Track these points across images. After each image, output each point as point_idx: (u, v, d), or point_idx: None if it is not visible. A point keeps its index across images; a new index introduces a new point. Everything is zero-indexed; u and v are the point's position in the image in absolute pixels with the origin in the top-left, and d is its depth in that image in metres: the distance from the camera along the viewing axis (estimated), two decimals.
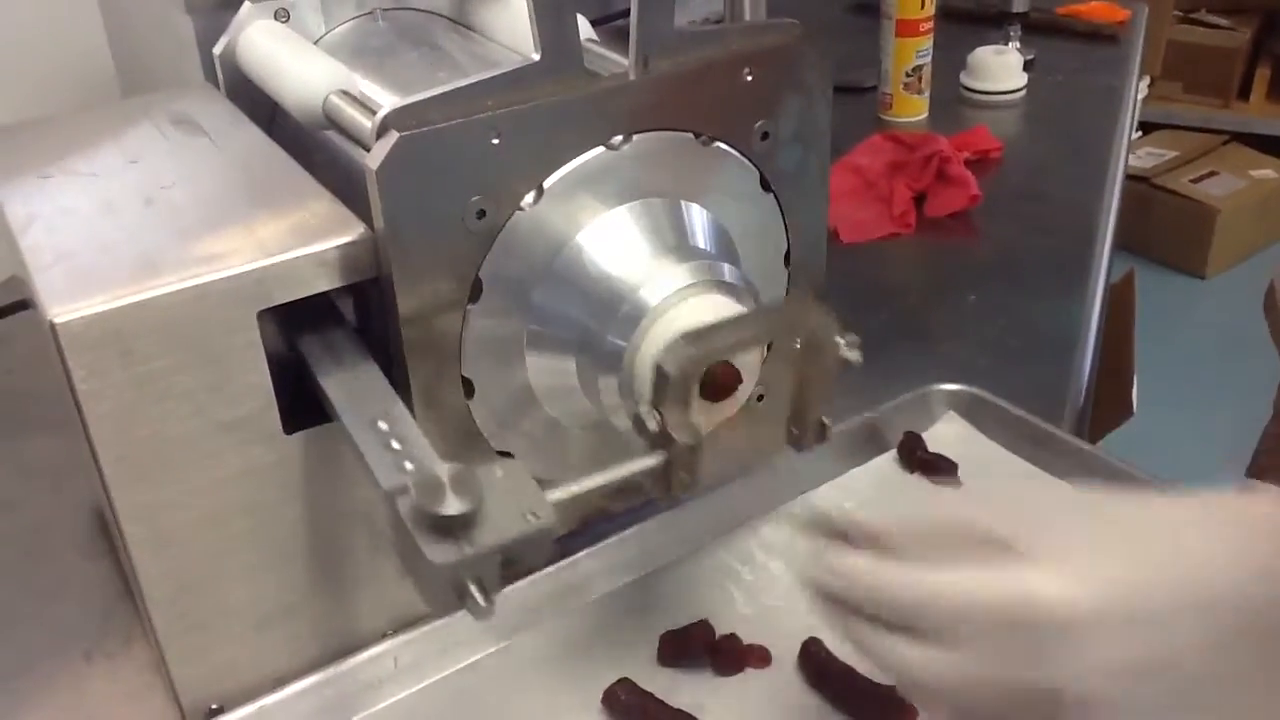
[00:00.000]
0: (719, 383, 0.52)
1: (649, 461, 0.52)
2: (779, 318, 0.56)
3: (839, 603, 0.47)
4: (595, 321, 0.54)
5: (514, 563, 0.46)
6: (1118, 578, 0.41)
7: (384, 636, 0.59)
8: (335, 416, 0.51)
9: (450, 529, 0.44)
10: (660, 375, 0.50)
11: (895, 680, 0.47)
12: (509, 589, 0.61)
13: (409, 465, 0.47)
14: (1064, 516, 0.45)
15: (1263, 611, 0.41)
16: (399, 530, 0.45)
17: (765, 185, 0.60)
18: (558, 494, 0.49)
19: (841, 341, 0.54)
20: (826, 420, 0.57)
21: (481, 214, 0.52)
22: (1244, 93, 2.82)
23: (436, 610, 0.46)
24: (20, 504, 0.76)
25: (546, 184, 0.53)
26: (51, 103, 1.01)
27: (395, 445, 0.48)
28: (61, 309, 0.47)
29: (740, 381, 0.53)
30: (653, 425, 0.51)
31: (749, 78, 0.57)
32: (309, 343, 0.53)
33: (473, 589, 0.44)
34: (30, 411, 0.84)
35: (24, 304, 0.79)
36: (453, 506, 0.43)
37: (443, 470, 0.44)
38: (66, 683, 0.62)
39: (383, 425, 0.49)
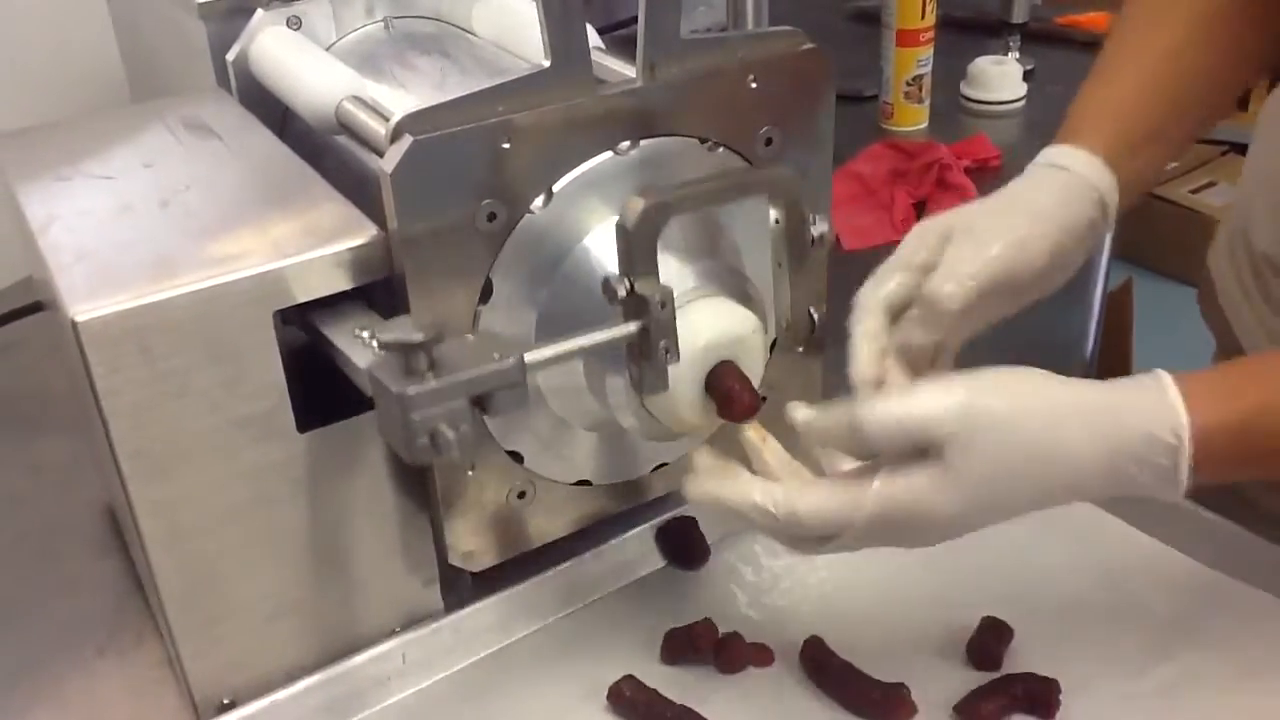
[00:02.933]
0: (741, 403, 0.53)
1: (626, 328, 0.52)
2: (740, 177, 0.56)
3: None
4: (602, 323, 0.55)
5: (486, 409, 0.47)
6: (988, 493, 0.49)
7: (393, 633, 0.60)
8: (325, 340, 0.53)
9: (417, 368, 0.46)
10: (621, 232, 0.50)
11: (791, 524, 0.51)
12: (515, 589, 0.62)
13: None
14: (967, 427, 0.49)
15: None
16: (375, 388, 0.47)
17: None
18: (531, 354, 0.50)
19: (812, 218, 0.55)
20: (813, 311, 0.58)
21: (492, 217, 0.53)
22: (1243, 103, 2.82)
23: (413, 459, 0.47)
24: (32, 502, 0.77)
25: (556, 188, 0.54)
26: (61, 107, 1.03)
27: (372, 342, 0.50)
28: (83, 307, 0.48)
29: (758, 404, 0.54)
30: (622, 291, 0.51)
31: (753, 85, 0.58)
32: (319, 315, 0.55)
33: (443, 429, 0.45)
34: (42, 412, 0.85)
35: (36, 307, 0.80)
36: (417, 336, 0.46)
37: (410, 320, 0.47)
38: (79, 678, 0.63)
39: (363, 332, 0.52)
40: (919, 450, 0.49)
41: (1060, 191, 0.60)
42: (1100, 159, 0.61)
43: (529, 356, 0.50)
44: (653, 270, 0.51)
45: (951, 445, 0.48)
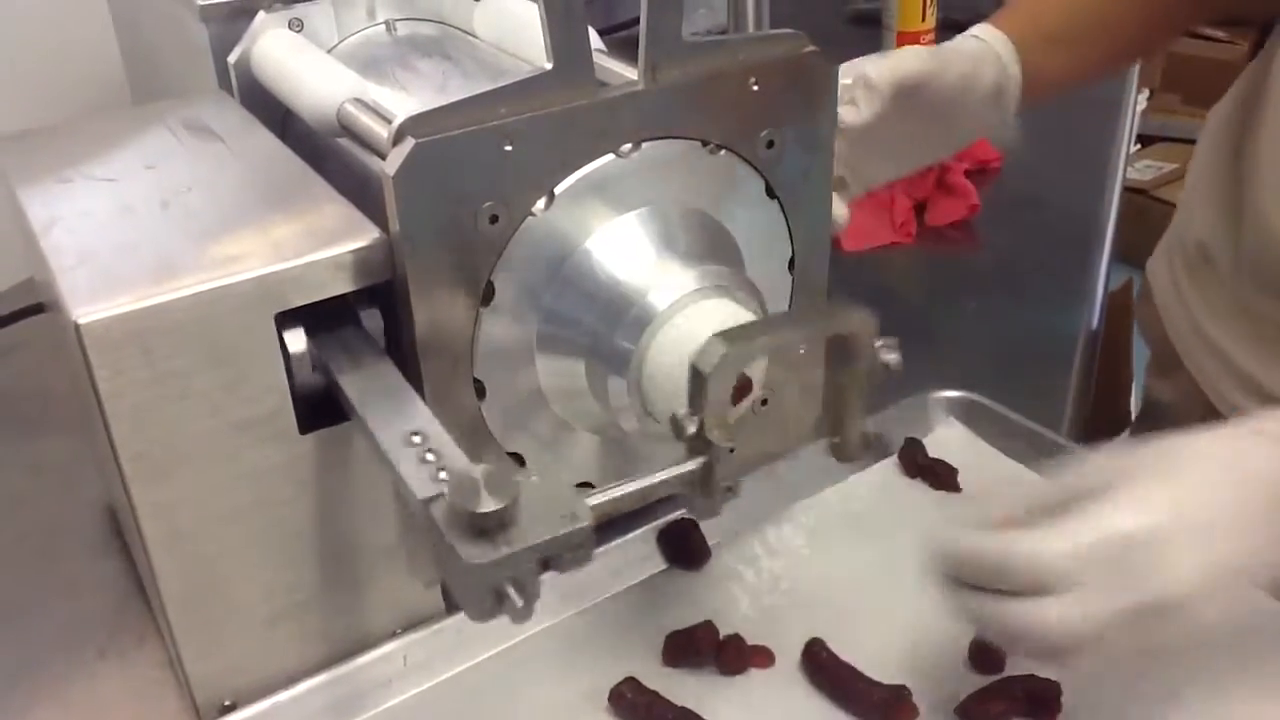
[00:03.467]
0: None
1: (689, 466, 0.52)
2: (816, 319, 0.56)
3: (956, 583, 0.50)
4: (604, 325, 0.55)
5: (551, 566, 0.46)
6: (1185, 497, 0.47)
7: (394, 634, 0.60)
8: (368, 433, 0.51)
9: (486, 529, 0.44)
10: (696, 375, 0.50)
11: (1022, 644, 0.50)
12: None
13: (443, 475, 0.47)
14: (1130, 458, 0.49)
15: None
16: (434, 537, 0.45)
17: (770, 192, 0.61)
18: (595, 499, 0.49)
19: (880, 345, 0.54)
20: (871, 430, 0.57)
21: (494, 219, 0.53)
22: None
23: (477, 618, 0.45)
24: (32, 503, 0.77)
25: (558, 190, 0.54)
26: (62, 109, 1.03)
27: (429, 457, 0.48)
28: (85, 310, 0.48)
29: (750, 390, 0.53)
30: (690, 429, 0.50)
31: (755, 87, 0.58)
32: (329, 347, 0.54)
33: (510, 591, 0.44)
34: (43, 412, 0.85)
35: (37, 308, 0.80)
36: (488, 504, 0.43)
37: (477, 471, 0.44)
38: (80, 680, 0.63)
39: (416, 438, 0.49)
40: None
41: (972, 48, 0.71)
42: (1010, 41, 0.72)
43: (592, 501, 0.48)
44: (724, 413, 0.51)
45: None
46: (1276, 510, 0.48)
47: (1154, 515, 0.47)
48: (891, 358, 0.55)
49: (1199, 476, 0.48)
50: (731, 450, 0.51)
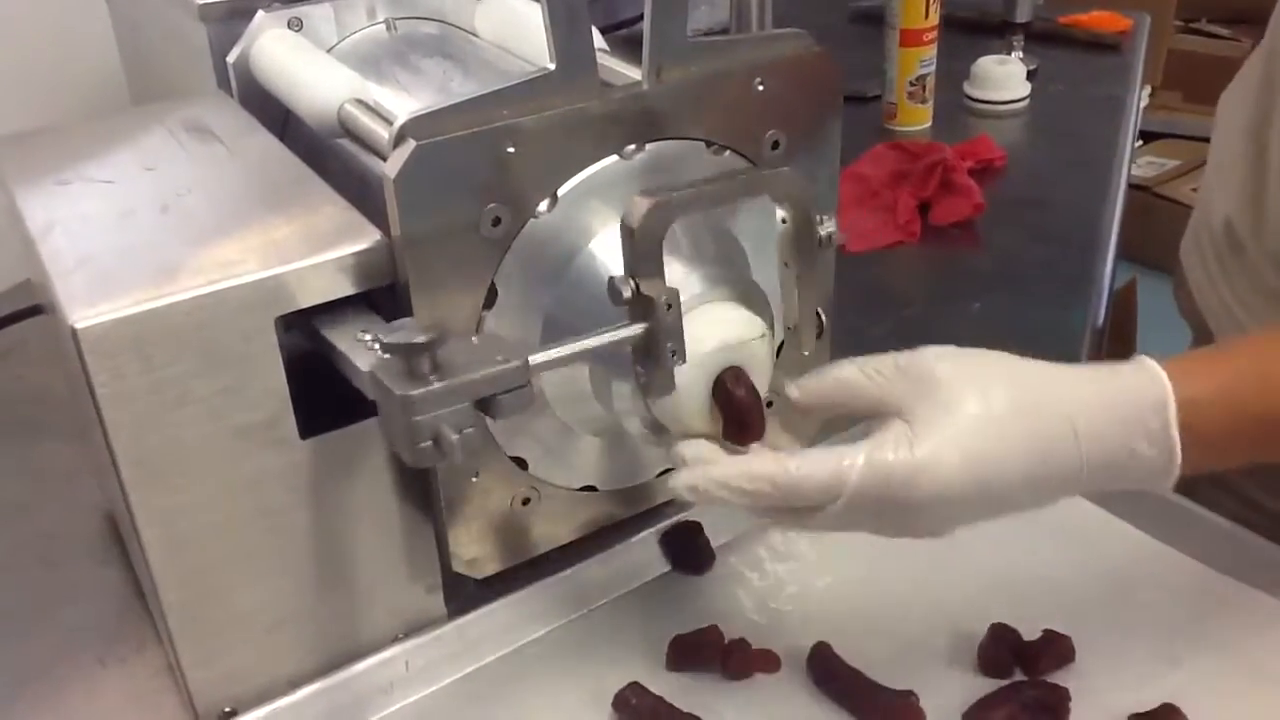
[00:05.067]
0: (746, 420, 0.53)
1: (632, 329, 0.51)
2: (744, 177, 0.55)
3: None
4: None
5: (490, 410, 0.47)
6: (971, 455, 0.49)
7: (395, 640, 0.60)
8: (327, 344, 0.52)
9: (421, 372, 0.45)
10: (625, 232, 0.50)
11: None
12: (519, 595, 0.62)
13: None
14: (946, 382, 0.50)
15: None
16: (378, 392, 0.47)
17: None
18: (536, 356, 0.49)
19: (820, 219, 0.54)
20: (822, 313, 0.58)
21: (497, 221, 0.53)
22: None
23: (414, 461, 0.47)
24: (32, 508, 0.77)
25: (561, 192, 0.54)
26: (60, 110, 1.02)
27: (375, 347, 0.50)
28: (83, 314, 0.47)
29: (764, 420, 0.53)
30: (627, 292, 0.50)
31: (760, 88, 0.57)
32: (321, 319, 0.54)
33: (446, 431, 0.45)
34: (42, 416, 0.85)
35: (35, 310, 0.80)
36: (420, 338, 0.45)
37: (413, 322, 0.46)
38: (80, 686, 0.63)
39: (365, 336, 0.51)
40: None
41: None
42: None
43: (534, 358, 0.49)
44: (658, 271, 0.51)
45: (938, 393, 0.49)
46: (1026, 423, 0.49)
47: (935, 472, 0.48)
48: (830, 229, 0.56)
49: (972, 402, 0.49)
50: (670, 308, 0.51)
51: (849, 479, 0.49)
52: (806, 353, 0.59)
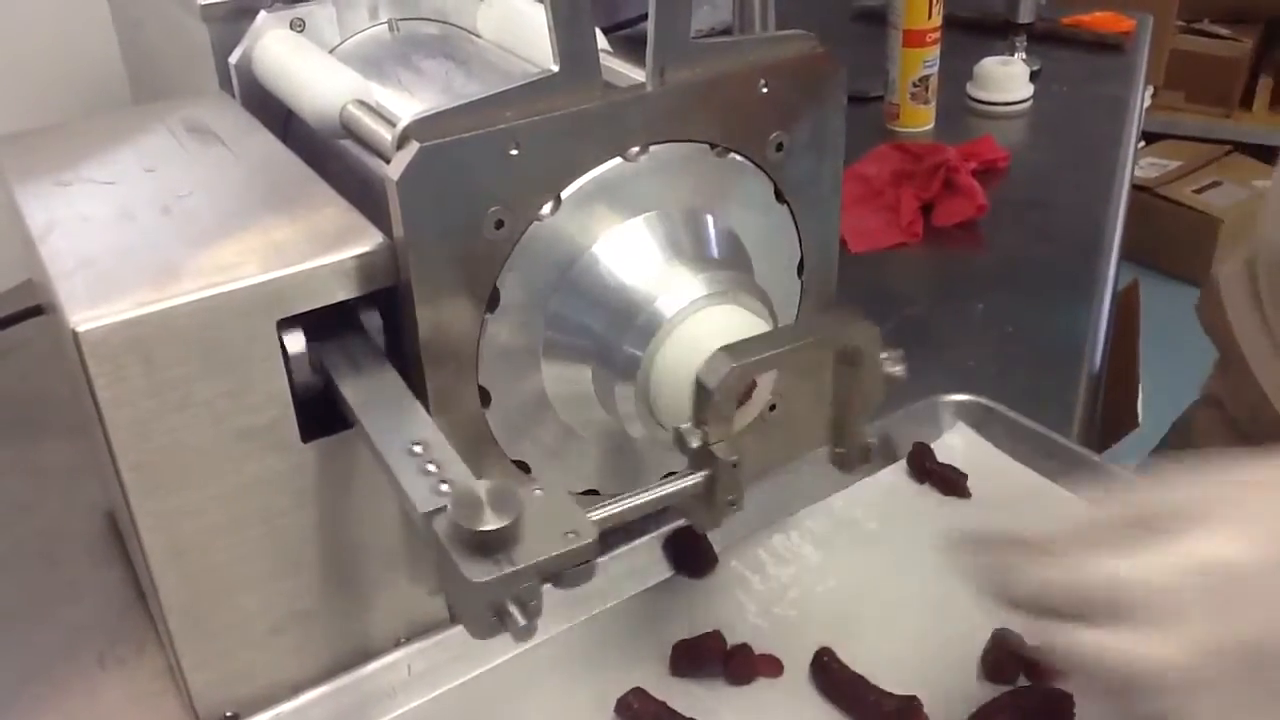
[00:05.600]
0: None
1: (692, 480, 0.51)
2: (822, 331, 0.55)
3: (1034, 610, 0.45)
4: (611, 331, 0.54)
5: (555, 583, 0.45)
6: None
7: (398, 644, 0.59)
8: (369, 442, 0.50)
9: (489, 547, 0.43)
10: (701, 390, 0.49)
11: (1111, 679, 0.43)
12: None
13: (445, 488, 0.46)
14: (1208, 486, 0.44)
15: None
16: (436, 552, 0.44)
17: (779, 196, 0.60)
18: (598, 514, 0.48)
19: (885, 356, 0.53)
20: (871, 439, 0.57)
21: (500, 224, 0.52)
22: (1246, 102, 2.83)
23: (478, 635, 0.44)
24: (33, 507, 0.77)
25: (564, 194, 0.54)
26: (62, 109, 1.02)
27: (430, 468, 0.47)
28: (84, 316, 0.47)
29: (752, 392, 0.53)
30: (695, 442, 0.50)
31: (764, 89, 0.57)
32: (331, 353, 0.53)
33: (512, 609, 0.43)
34: (43, 415, 0.85)
35: (36, 310, 0.80)
36: (491, 522, 0.43)
37: (480, 488, 0.44)
38: (80, 688, 0.62)
39: (417, 449, 0.49)
40: None
41: None
42: None
43: (595, 515, 0.48)
44: (728, 427, 0.50)
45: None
46: None
47: (1261, 547, 0.41)
48: (896, 370, 0.55)
49: None
50: (735, 465, 0.50)
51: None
52: (848, 474, 0.58)
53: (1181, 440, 0.97)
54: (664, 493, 0.51)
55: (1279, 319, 0.80)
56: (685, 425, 0.50)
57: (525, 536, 0.44)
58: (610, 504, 0.49)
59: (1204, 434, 0.92)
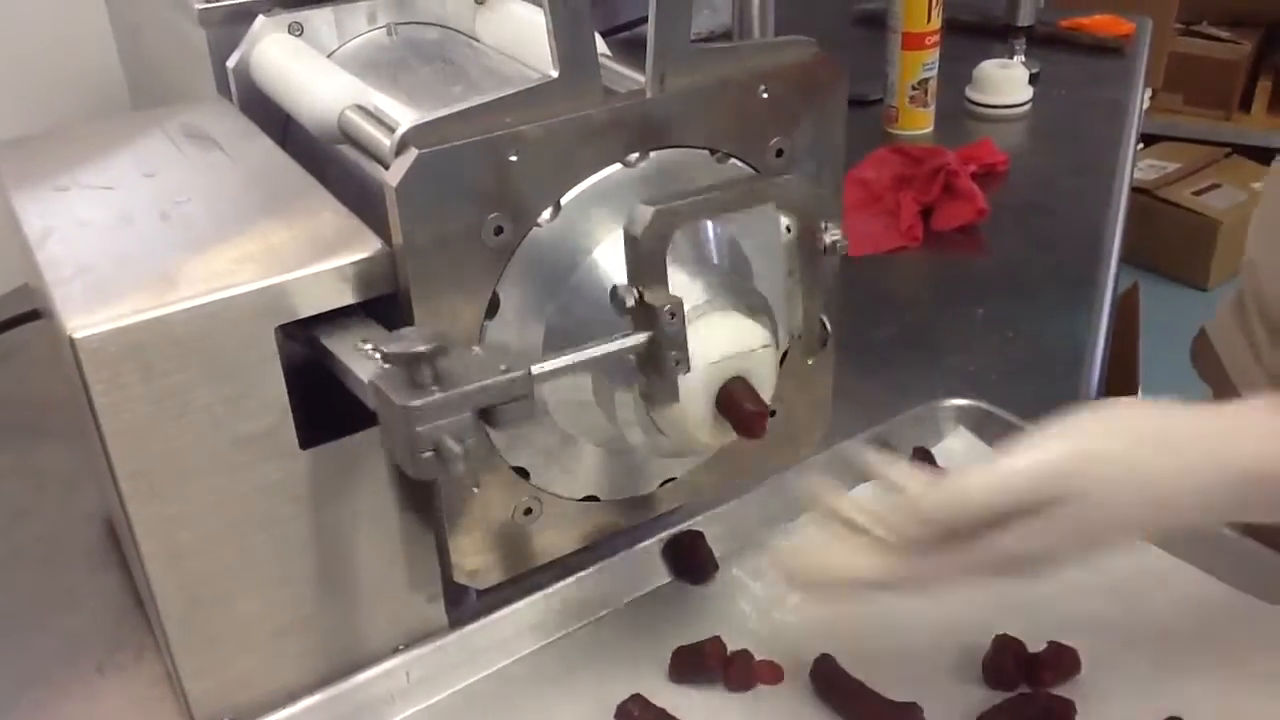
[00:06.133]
0: (749, 419, 0.52)
1: (635, 339, 0.51)
2: (746, 185, 0.55)
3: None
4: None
5: (491, 421, 0.46)
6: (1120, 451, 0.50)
7: (396, 651, 0.59)
8: (327, 353, 0.52)
9: (423, 382, 0.45)
10: (629, 241, 0.50)
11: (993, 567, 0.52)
12: (520, 604, 0.61)
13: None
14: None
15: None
16: (379, 402, 0.46)
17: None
18: (538, 365, 0.49)
19: (824, 226, 0.54)
20: (825, 320, 0.57)
21: (499, 230, 0.52)
22: (1245, 105, 2.83)
23: (417, 473, 0.46)
24: (32, 513, 0.76)
25: (564, 200, 0.53)
26: (60, 114, 1.02)
27: (376, 355, 0.49)
28: (81, 323, 0.47)
29: (770, 416, 0.53)
30: (630, 300, 0.50)
31: (765, 95, 0.57)
32: (320, 328, 0.54)
33: (448, 442, 0.45)
34: (41, 420, 0.84)
35: (34, 314, 0.79)
36: (421, 347, 0.45)
37: (414, 331, 0.46)
38: (79, 694, 0.62)
39: (366, 345, 0.50)
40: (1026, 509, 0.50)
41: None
42: None
43: (535, 368, 0.49)
44: (662, 280, 0.50)
45: (1073, 497, 0.49)
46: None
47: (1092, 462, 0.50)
48: (835, 237, 0.55)
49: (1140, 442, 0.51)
50: (674, 316, 0.50)
51: (1011, 479, 0.50)
52: (810, 361, 0.58)
53: None
54: (607, 348, 0.51)
55: (1270, 347, 0.80)
56: (620, 284, 0.50)
57: (459, 374, 0.46)
58: (551, 357, 0.50)
59: None
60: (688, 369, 0.51)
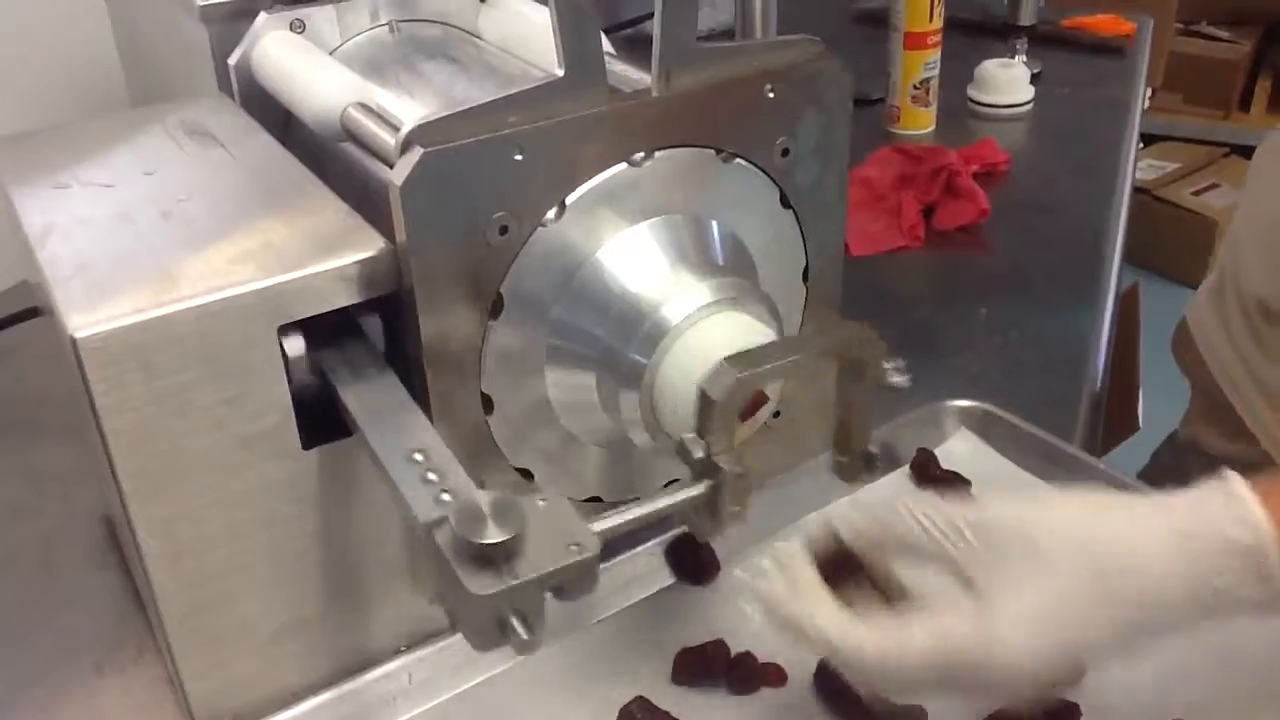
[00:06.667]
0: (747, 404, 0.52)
1: (695, 491, 0.51)
2: (825, 342, 0.55)
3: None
4: (616, 338, 0.54)
5: (556, 595, 0.45)
6: (1053, 627, 0.45)
7: (398, 652, 0.59)
8: (369, 450, 0.50)
9: (492, 559, 0.43)
10: (705, 400, 0.49)
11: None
12: None
13: (446, 497, 0.46)
14: (1018, 548, 0.47)
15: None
16: (438, 563, 0.44)
17: (785, 202, 0.60)
18: (600, 525, 0.48)
19: (889, 367, 0.53)
20: (874, 449, 0.57)
21: (504, 230, 0.52)
22: (1245, 104, 2.83)
23: (480, 648, 0.44)
24: (31, 512, 0.76)
25: (569, 200, 0.53)
26: (58, 111, 1.01)
27: (432, 477, 0.47)
28: (82, 323, 0.47)
29: (765, 402, 0.52)
30: (698, 453, 0.50)
31: (770, 94, 0.57)
32: (331, 358, 0.52)
33: (514, 622, 0.43)
34: (40, 418, 0.84)
35: (33, 311, 0.79)
36: (494, 535, 0.42)
37: (483, 499, 0.43)
38: (79, 695, 0.62)
39: (418, 456, 0.48)
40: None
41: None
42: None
43: (598, 527, 0.47)
44: (729, 437, 0.50)
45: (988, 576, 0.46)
46: (1109, 592, 0.46)
47: (1013, 653, 0.45)
48: (899, 380, 0.55)
49: (1050, 574, 0.46)
50: (740, 476, 0.50)
51: (907, 659, 0.46)
52: (852, 484, 0.59)
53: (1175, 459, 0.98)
54: (668, 503, 0.51)
55: (1261, 363, 0.80)
56: (689, 435, 0.50)
57: (528, 550, 0.43)
58: (612, 514, 0.49)
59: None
60: (744, 521, 0.52)
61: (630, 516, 0.50)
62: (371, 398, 0.51)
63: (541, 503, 0.45)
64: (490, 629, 0.43)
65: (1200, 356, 0.86)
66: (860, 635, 0.47)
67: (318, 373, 0.52)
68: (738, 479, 0.50)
